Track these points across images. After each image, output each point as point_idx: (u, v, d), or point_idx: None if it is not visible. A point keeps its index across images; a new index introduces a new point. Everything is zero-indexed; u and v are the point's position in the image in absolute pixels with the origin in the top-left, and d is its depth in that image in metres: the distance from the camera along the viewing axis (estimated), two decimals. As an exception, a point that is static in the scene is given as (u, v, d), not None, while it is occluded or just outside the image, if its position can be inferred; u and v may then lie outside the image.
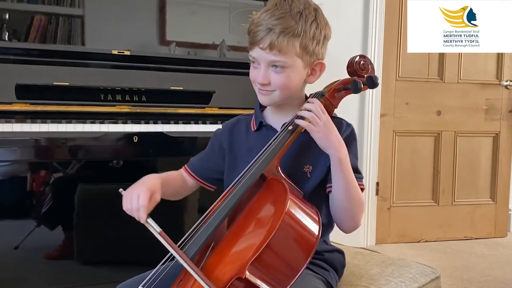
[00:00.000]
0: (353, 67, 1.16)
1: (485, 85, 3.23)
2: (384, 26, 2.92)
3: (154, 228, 0.96)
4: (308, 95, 1.18)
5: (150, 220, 0.98)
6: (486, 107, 3.25)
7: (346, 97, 1.18)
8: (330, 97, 1.15)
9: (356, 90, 1.12)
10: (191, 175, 1.26)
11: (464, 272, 2.65)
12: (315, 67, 1.13)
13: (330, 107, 1.15)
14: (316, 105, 1.08)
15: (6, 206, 1.88)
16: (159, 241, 0.97)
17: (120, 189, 1.05)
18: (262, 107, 1.21)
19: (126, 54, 1.84)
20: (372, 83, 1.13)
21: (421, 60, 3.08)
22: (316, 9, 1.11)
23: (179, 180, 1.26)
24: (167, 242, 0.95)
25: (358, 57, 1.17)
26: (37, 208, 1.93)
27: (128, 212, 1.03)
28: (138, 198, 1.01)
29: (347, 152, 1.08)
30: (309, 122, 1.07)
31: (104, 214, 1.95)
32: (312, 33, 1.08)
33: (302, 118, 1.08)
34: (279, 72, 1.09)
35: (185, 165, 1.28)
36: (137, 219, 1.01)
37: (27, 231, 1.85)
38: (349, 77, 1.17)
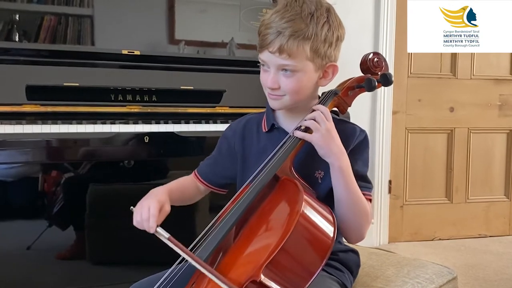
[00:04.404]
0: (366, 64, 1.14)
1: (499, 81, 3.19)
2: (395, 22, 2.89)
3: (163, 235, 0.97)
4: (322, 94, 1.15)
5: (159, 229, 0.99)
6: (499, 103, 3.21)
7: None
8: (344, 96, 1.12)
9: (370, 88, 1.09)
10: (201, 181, 1.25)
11: (479, 270, 2.62)
12: (327, 70, 1.10)
13: (343, 106, 1.13)
14: (319, 112, 1.05)
15: (18, 207, 1.89)
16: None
17: (131, 207, 1.05)
18: None
19: (136, 54, 1.84)
20: (386, 80, 1.10)
21: (433, 56, 3.04)
22: (329, 10, 1.07)
23: (190, 186, 1.25)
24: (178, 247, 0.94)
25: (371, 54, 1.14)
26: (49, 208, 1.93)
27: (139, 225, 1.03)
28: (148, 209, 1.02)
29: (348, 162, 1.04)
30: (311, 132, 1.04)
31: (116, 214, 1.93)
32: (323, 35, 1.04)
33: (306, 126, 1.06)
34: (289, 76, 1.06)
35: (195, 170, 1.27)
36: (147, 230, 1.01)
37: (39, 232, 1.85)
38: (362, 74, 1.15)
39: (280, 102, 1.10)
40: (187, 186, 1.24)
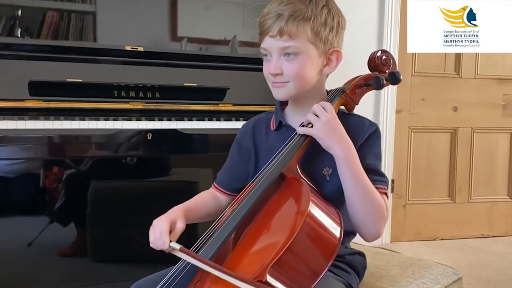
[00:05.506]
0: (374, 62, 1.13)
1: (503, 81, 3.18)
2: (399, 20, 2.88)
3: (175, 248, 0.97)
4: (328, 91, 1.14)
5: (172, 243, 0.98)
6: (503, 103, 3.20)
7: (363, 93, 1.14)
8: (351, 93, 1.11)
9: (378, 86, 1.08)
10: (222, 191, 1.22)
11: (482, 271, 2.61)
12: (330, 56, 1.08)
13: (351, 104, 1.12)
14: (317, 105, 1.03)
15: (20, 203, 1.88)
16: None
17: None
18: (283, 105, 1.17)
19: (140, 50, 1.82)
20: (394, 78, 1.09)
21: (437, 55, 3.03)
22: None
23: (209, 200, 1.21)
24: (193, 257, 0.92)
25: (379, 52, 1.13)
26: (50, 205, 1.92)
27: (154, 246, 1.01)
28: (160, 227, 1.01)
29: (354, 152, 1.02)
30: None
31: (117, 211, 1.94)
32: (323, 18, 1.03)
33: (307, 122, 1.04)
34: (292, 60, 1.04)
35: (214, 183, 1.24)
36: (161, 247, 1.00)
37: (40, 228, 1.84)
38: (370, 72, 1.14)
39: (285, 90, 1.07)
40: (206, 201, 1.21)
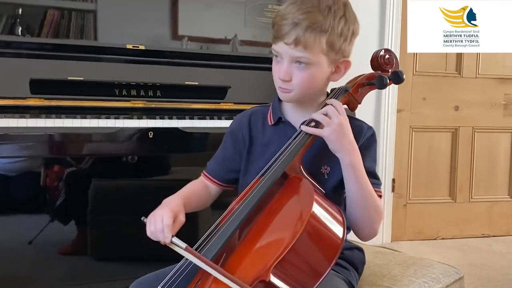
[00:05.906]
0: (377, 61, 1.12)
1: (504, 80, 3.18)
2: (401, 19, 2.87)
3: (180, 245, 0.94)
4: (331, 90, 1.14)
5: (174, 239, 0.96)
6: (504, 102, 3.20)
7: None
8: (354, 93, 1.11)
9: (382, 86, 1.08)
10: (213, 181, 1.21)
11: (483, 270, 2.61)
12: (340, 65, 1.08)
13: (354, 103, 1.12)
14: (331, 106, 1.04)
15: (20, 201, 1.88)
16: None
17: (142, 217, 1.02)
18: (280, 100, 1.16)
19: (141, 48, 1.82)
20: (397, 78, 1.09)
21: (438, 54, 3.03)
22: (346, 4, 1.06)
23: (201, 190, 1.20)
24: (197, 257, 0.91)
25: (382, 51, 1.13)
26: (51, 203, 1.91)
27: (152, 236, 1.00)
28: (162, 219, 0.99)
29: (360, 157, 1.03)
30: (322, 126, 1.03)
31: (118, 209, 1.94)
32: (340, 29, 1.03)
33: (316, 121, 1.04)
34: (303, 69, 1.04)
35: (204, 172, 1.23)
36: (162, 240, 0.98)
37: (41, 226, 1.84)
38: (373, 71, 1.13)
39: (290, 96, 1.08)
40: (198, 190, 1.20)
